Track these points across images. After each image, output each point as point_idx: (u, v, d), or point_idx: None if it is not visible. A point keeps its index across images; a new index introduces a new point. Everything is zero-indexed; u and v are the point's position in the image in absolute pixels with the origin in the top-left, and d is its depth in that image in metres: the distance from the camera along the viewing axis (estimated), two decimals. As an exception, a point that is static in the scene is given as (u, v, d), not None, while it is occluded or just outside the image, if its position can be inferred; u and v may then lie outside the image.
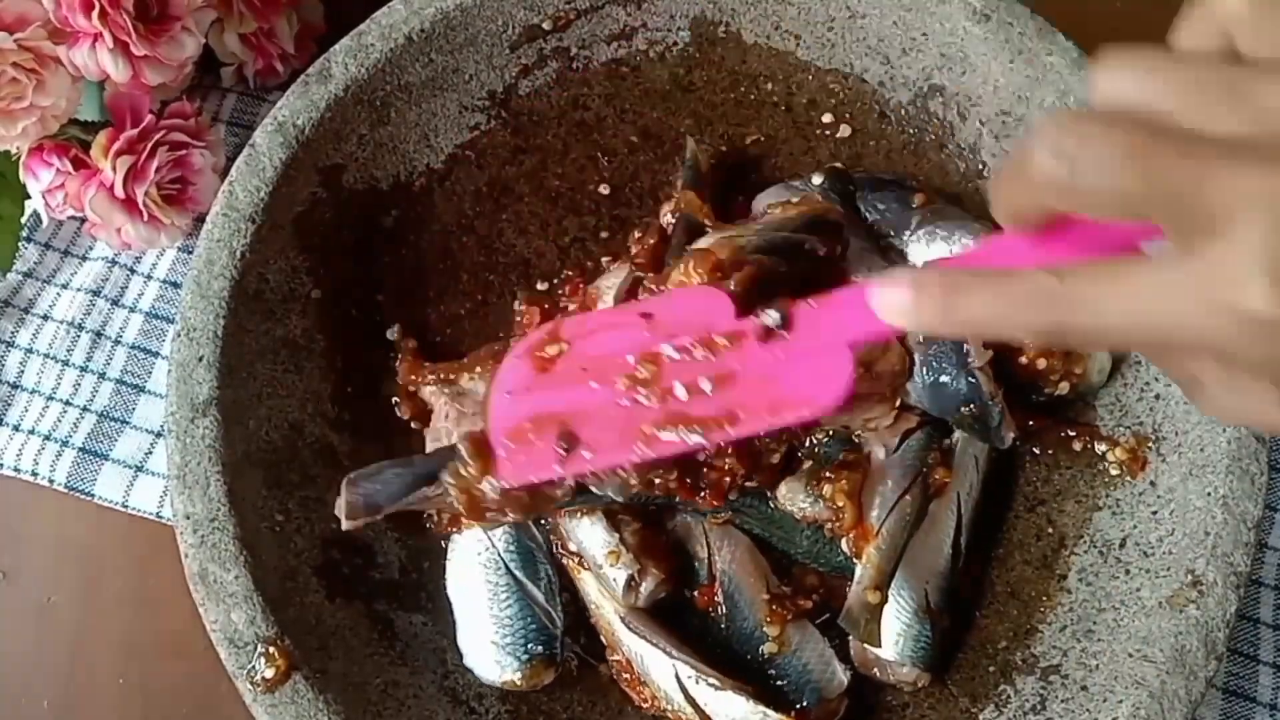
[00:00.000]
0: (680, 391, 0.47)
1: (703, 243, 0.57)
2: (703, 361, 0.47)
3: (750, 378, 0.46)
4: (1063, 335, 0.34)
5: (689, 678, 0.55)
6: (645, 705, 0.57)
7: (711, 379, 0.46)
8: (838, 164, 0.67)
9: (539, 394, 0.50)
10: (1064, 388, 0.59)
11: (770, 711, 0.54)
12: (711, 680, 0.54)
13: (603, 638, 0.59)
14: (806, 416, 0.45)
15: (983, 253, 0.40)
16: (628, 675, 0.57)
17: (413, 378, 0.63)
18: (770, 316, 0.46)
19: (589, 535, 0.57)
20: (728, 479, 0.54)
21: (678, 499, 0.54)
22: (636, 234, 0.64)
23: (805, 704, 0.55)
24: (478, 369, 0.62)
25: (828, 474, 0.57)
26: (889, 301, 0.38)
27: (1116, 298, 0.32)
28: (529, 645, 0.56)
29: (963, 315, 0.35)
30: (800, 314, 0.45)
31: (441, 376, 0.62)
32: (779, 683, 0.56)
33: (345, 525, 0.51)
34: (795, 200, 0.62)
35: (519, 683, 0.56)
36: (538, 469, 0.48)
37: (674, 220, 0.62)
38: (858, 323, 0.43)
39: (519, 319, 0.65)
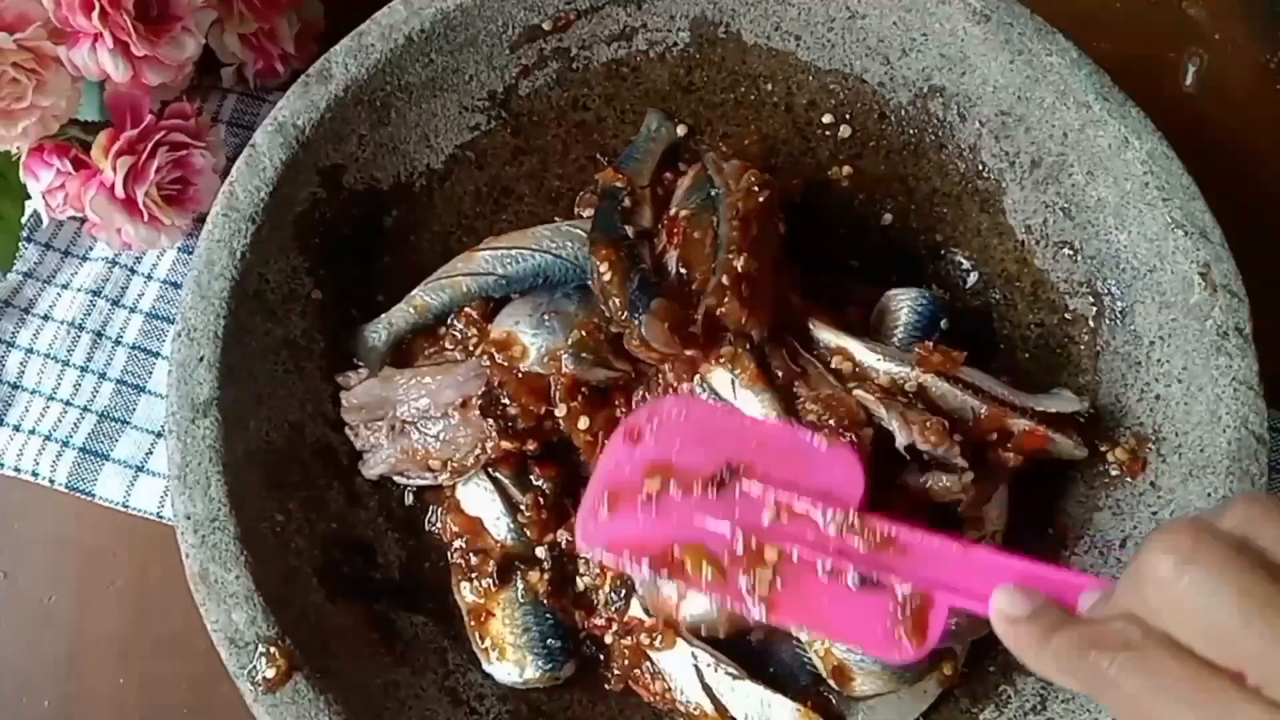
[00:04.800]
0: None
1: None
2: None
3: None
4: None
5: (708, 665, 0.55)
6: (654, 700, 0.57)
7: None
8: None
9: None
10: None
11: (788, 700, 0.54)
12: (730, 670, 0.55)
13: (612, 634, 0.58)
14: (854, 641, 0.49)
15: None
16: (638, 670, 0.57)
17: None
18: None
19: None
20: None
21: None
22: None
23: (802, 682, 0.56)
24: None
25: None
26: (1002, 607, 0.41)
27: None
28: (548, 641, 0.57)
29: (1043, 661, 0.39)
30: (916, 544, 0.47)
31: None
32: (775, 663, 0.56)
33: None
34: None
35: (540, 680, 0.57)
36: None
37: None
38: (963, 589, 0.45)
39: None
